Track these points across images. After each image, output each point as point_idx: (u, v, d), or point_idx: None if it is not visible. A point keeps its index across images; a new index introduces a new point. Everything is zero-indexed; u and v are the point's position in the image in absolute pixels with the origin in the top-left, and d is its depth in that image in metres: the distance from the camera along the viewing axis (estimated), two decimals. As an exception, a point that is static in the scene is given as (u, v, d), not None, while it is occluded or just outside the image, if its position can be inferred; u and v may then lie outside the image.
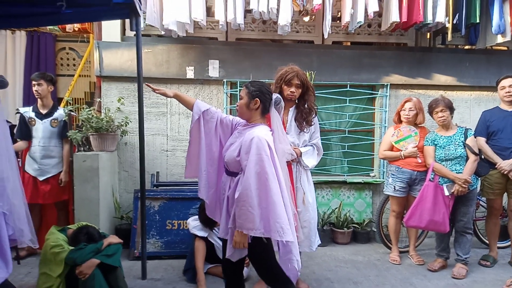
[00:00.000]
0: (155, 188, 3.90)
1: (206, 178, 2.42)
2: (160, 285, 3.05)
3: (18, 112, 3.65)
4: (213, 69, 4.14)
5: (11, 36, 4.92)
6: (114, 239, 2.82)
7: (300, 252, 2.98)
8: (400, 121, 3.65)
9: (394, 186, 3.57)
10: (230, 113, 4.29)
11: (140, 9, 2.99)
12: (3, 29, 4.83)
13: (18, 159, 3.85)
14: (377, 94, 4.44)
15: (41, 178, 3.57)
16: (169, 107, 4.21)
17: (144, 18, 3.70)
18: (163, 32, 3.87)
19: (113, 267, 2.63)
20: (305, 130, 2.85)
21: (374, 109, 4.49)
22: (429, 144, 3.42)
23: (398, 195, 3.58)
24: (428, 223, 3.28)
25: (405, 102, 3.59)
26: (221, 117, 2.41)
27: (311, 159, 2.90)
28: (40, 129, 3.58)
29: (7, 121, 3.43)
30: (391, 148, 3.63)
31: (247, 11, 3.99)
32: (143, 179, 3.19)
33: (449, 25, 3.87)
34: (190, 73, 4.12)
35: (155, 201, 3.68)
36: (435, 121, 3.45)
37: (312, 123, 2.88)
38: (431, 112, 3.45)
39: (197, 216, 3.19)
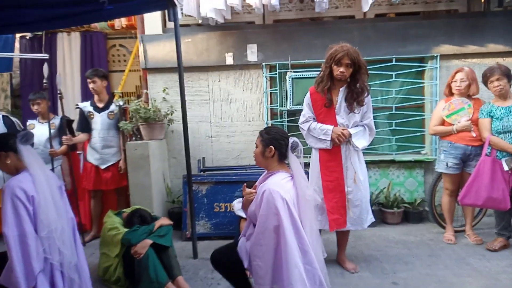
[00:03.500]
0: (202, 173, 4.06)
1: None
2: (210, 264, 3.18)
3: (77, 107, 3.94)
4: (252, 54, 4.16)
5: (67, 37, 5.28)
6: (165, 220, 3.00)
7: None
8: (451, 94, 3.42)
9: (447, 163, 3.37)
10: (271, 97, 4.31)
11: (177, -1, 3.06)
12: (58, 31, 5.20)
13: (80, 152, 4.20)
14: (426, 66, 4.18)
15: (102, 167, 3.84)
16: (211, 95, 4.32)
17: (182, 9, 3.79)
18: (200, 21, 3.95)
19: (165, 246, 2.80)
20: (355, 111, 2.77)
21: (423, 82, 4.23)
22: (485, 116, 3.17)
23: (451, 172, 3.38)
24: (485, 200, 3.07)
25: (456, 72, 3.34)
26: None
27: (362, 140, 2.82)
28: (99, 121, 3.84)
29: (66, 117, 3.75)
30: (442, 123, 3.42)
31: (284, -9, 3.93)
32: (189, 165, 3.33)
33: (506, -16, 3.52)
34: (229, 60, 4.18)
35: (202, 185, 3.83)
36: (491, 91, 3.19)
37: (364, 103, 2.78)
38: (485, 82, 3.19)
39: (241, 199, 3.27)
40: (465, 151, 3.29)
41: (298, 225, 1.93)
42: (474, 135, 3.25)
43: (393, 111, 4.21)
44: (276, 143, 2.09)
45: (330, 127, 2.78)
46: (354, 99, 2.74)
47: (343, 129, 2.76)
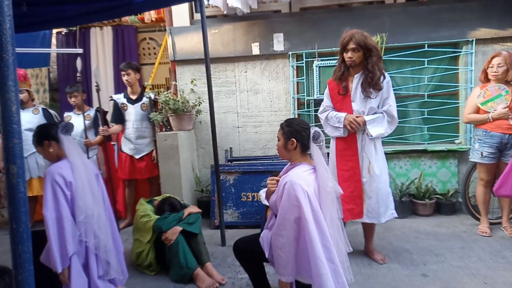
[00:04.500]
0: (229, 163, 4.12)
1: None
2: (237, 252, 3.26)
3: (111, 99, 4.08)
4: (278, 43, 4.13)
5: (100, 32, 5.47)
6: (194, 209, 3.09)
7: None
8: (487, 80, 3.26)
9: (482, 152, 3.24)
10: (297, 86, 4.28)
11: (203, -9, 3.10)
12: (91, 26, 5.38)
13: (114, 143, 4.37)
14: (460, 51, 3.99)
15: (137, 157, 3.97)
16: (238, 85, 4.35)
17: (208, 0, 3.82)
18: (225, 12, 3.96)
19: (194, 234, 2.89)
20: (371, 96, 2.72)
21: (457, 69, 4.05)
22: (524, 103, 3.01)
23: (487, 161, 3.24)
24: (523, 191, 2.93)
25: (493, 57, 3.18)
26: None
27: (378, 128, 2.75)
28: (132, 113, 3.96)
29: (100, 108, 3.90)
30: (477, 111, 3.28)
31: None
32: (216, 155, 3.39)
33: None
34: (255, 49, 4.17)
35: (229, 175, 3.89)
36: (531, 76, 3.01)
37: (381, 87, 2.72)
38: (526, 66, 3.01)
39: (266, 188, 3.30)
40: (501, 139, 3.14)
41: (319, 219, 1.91)
42: (512, 123, 3.09)
43: (425, 99, 4.07)
44: (297, 135, 2.07)
45: (343, 114, 2.77)
46: (368, 84, 2.69)
47: (357, 116, 2.72)
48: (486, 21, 3.85)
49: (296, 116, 4.23)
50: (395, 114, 2.78)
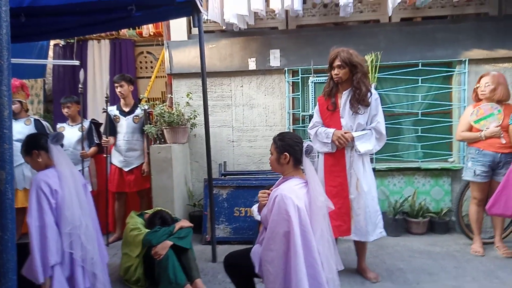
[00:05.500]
0: (223, 177, 4.09)
1: None
2: (228, 268, 3.20)
3: (105, 111, 4.07)
4: (274, 59, 4.17)
5: (97, 44, 5.49)
6: (185, 223, 3.04)
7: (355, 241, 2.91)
8: (479, 99, 3.30)
9: (475, 171, 3.25)
10: (293, 102, 4.30)
11: (201, 6, 3.13)
12: (89, 39, 5.41)
13: (106, 155, 4.34)
14: (454, 71, 4.05)
15: (126, 169, 3.94)
16: (234, 99, 4.36)
17: (206, 15, 3.87)
18: (224, 27, 4.00)
19: (185, 248, 2.84)
20: (359, 112, 2.74)
21: (451, 88, 4.10)
22: (516, 123, 3.04)
23: (479, 180, 3.25)
24: (516, 210, 2.92)
25: (481, 77, 3.26)
26: None
27: (366, 144, 2.77)
28: (124, 125, 3.95)
29: (95, 120, 3.88)
30: (470, 129, 3.30)
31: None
32: (210, 168, 3.37)
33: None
34: (252, 65, 4.21)
35: (223, 189, 3.86)
36: (523, 96, 3.05)
37: (369, 103, 2.75)
38: (517, 87, 3.06)
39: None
40: (494, 158, 3.16)
41: (307, 235, 1.88)
42: (503, 141, 3.12)
43: (419, 117, 4.10)
44: (290, 149, 2.07)
45: (332, 130, 2.80)
46: (357, 100, 2.73)
47: (345, 132, 2.74)
48: (479, 42, 3.93)
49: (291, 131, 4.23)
50: (384, 131, 2.81)
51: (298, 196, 1.94)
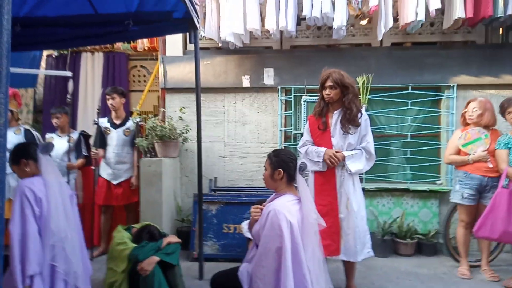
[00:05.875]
0: (213, 192, 4.06)
1: None
2: (215, 286, 3.14)
3: (95, 123, 4.04)
4: (268, 77, 4.23)
5: (91, 57, 5.49)
6: (173, 238, 2.97)
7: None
8: (466, 124, 3.38)
9: (462, 194, 3.29)
10: (285, 120, 4.34)
11: (198, 23, 3.19)
12: (83, 51, 5.41)
13: (94, 168, 4.29)
14: (442, 95, 4.16)
15: (114, 182, 3.89)
16: (226, 116, 4.38)
17: (203, 32, 3.93)
18: (220, 44, 4.06)
19: (171, 265, 2.78)
20: (350, 132, 2.79)
21: (439, 111, 4.20)
22: (502, 148, 3.11)
23: (467, 203, 3.29)
24: (501, 234, 2.96)
25: (469, 102, 3.35)
26: None
27: (357, 163, 2.80)
28: (114, 137, 3.92)
29: (84, 132, 3.85)
30: (458, 152, 3.37)
31: (301, 19, 4.03)
32: (201, 184, 3.35)
33: (525, 17, 3.52)
34: (246, 82, 4.26)
35: (212, 205, 3.83)
36: (508, 122, 3.15)
37: (359, 123, 2.80)
38: (503, 113, 3.15)
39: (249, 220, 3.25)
40: (481, 182, 3.22)
41: (299, 252, 1.88)
42: (490, 166, 3.18)
43: (408, 139, 4.18)
44: (284, 166, 2.09)
45: (323, 149, 2.81)
46: (348, 120, 2.78)
47: (336, 151, 2.77)
48: (466, 69, 4.06)
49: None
50: (373, 151, 2.85)
51: (291, 212, 1.94)
